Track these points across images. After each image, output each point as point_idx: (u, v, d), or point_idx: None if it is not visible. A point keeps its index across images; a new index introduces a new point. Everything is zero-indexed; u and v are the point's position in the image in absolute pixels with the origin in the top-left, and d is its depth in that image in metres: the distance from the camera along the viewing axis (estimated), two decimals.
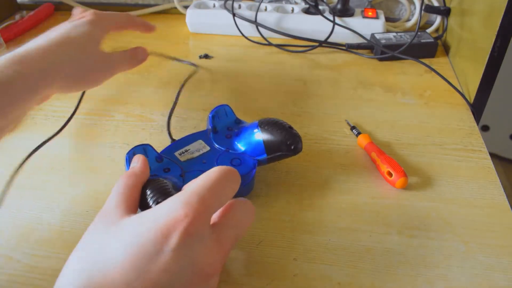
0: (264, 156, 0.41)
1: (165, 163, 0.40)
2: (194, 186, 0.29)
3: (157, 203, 0.32)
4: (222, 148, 0.42)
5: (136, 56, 0.51)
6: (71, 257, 0.28)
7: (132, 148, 0.39)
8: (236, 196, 0.38)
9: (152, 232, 0.26)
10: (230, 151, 0.42)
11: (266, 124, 0.41)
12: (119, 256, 0.26)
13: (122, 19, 0.52)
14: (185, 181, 0.38)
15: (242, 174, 0.38)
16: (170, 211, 0.27)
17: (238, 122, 0.45)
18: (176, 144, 0.43)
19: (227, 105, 0.45)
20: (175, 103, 0.54)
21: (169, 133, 0.49)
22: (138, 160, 0.36)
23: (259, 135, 0.41)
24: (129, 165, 0.38)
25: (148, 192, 0.33)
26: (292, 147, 0.41)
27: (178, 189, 0.33)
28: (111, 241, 0.27)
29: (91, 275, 0.26)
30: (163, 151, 0.43)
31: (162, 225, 0.26)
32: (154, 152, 0.40)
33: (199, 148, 0.42)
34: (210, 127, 0.44)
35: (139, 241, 0.26)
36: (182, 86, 0.58)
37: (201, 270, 0.27)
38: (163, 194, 0.33)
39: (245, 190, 0.41)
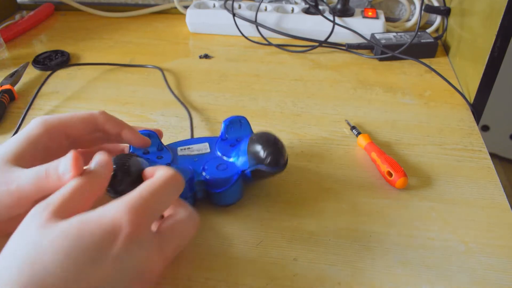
0: (245, 168, 0.39)
1: (162, 152, 0.41)
2: (139, 191, 0.28)
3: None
4: (220, 154, 0.42)
5: None
6: (5, 251, 0.26)
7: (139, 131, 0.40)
8: (223, 203, 0.38)
9: (97, 236, 0.25)
10: (224, 157, 0.41)
11: (255, 137, 0.39)
12: (57, 263, 0.24)
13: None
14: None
15: (224, 177, 0.39)
16: (115, 215, 0.26)
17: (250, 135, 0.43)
18: (185, 141, 0.44)
19: (245, 118, 0.44)
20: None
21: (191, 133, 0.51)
22: (102, 162, 0.31)
23: (245, 147, 0.40)
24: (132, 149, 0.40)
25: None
26: (273, 162, 0.37)
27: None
28: (48, 245, 0.25)
29: (31, 279, 0.24)
30: (170, 144, 0.44)
31: (106, 229, 0.25)
32: (158, 141, 0.42)
33: (200, 148, 0.43)
34: (221, 134, 0.44)
35: (82, 245, 0.25)
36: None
37: (141, 276, 0.27)
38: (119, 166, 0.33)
39: (229, 196, 0.40)
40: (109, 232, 0.25)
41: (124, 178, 0.33)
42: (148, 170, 0.33)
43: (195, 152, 0.42)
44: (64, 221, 0.26)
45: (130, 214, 0.26)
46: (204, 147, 0.43)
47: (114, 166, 0.32)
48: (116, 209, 0.26)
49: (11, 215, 0.31)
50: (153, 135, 0.42)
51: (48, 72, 0.64)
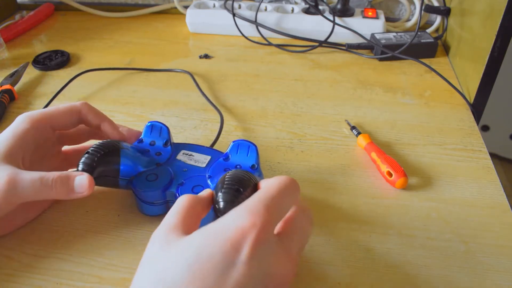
0: None
1: (166, 149, 0.42)
2: (258, 195, 0.27)
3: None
4: (208, 175, 0.40)
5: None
6: (137, 276, 0.27)
7: (151, 122, 0.42)
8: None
9: (221, 244, 0.24)
10: (209, 180, 0.39)
11: (225, 175, 0.34)
12: (184, 274, 0.24)
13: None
14: (152, 161, 0.40)
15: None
16: (237, 221, 0.25)
17: (252, 167, 0.40)
18: (192, 146, 0.43)
19: (255, 146, 0.40)
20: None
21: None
22: (207, 192, 0.33)
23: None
24: (145, 134, 0.42)
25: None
26: (221, 209, 0.32)
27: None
28: (174, 260, 0.25)
29: None
30: (179, 144, 0.44)
31: (230, 235, 0.25)
32: (167, 136, 0.42)
33: (199, 160, 0.41)
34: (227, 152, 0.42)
35: (206, 256, 0.24)
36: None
37: (274, 281, 0.26)
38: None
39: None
40: (234, 239, 0.25)
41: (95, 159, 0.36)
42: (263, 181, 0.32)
43: (191, 162, 0.41)
44: (187, 236, 0.26)
45: (254, 218, 0.25)
46: (203, 160, 0.41)
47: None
48: (239, 215, 0.26)
49: None
50: (165, 129, 0.42)
51: (48, 72, 0.64)
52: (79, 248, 0.38)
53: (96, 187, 0.38)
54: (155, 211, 0.40)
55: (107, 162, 0.37)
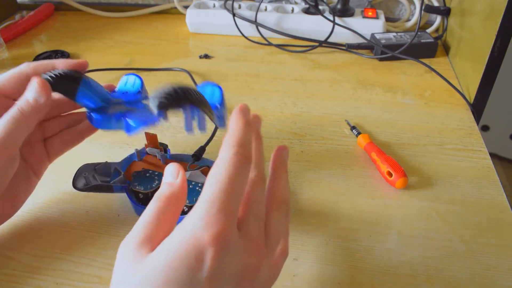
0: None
1: (138, 100, 0.39)
2: (210, 196, 0.25)
3: None
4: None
5: None
6: None
7: (127, 74, 0.41)
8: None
9: (186, 264, 0.23)
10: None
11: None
12: None
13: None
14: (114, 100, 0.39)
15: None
16: (196, 235, 0.24)
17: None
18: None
19: (220, 88, 0.41)
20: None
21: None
22: (176, 173, 0.29)
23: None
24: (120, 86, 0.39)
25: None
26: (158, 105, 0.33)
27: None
28: (142, 281, 0.24)
29: None
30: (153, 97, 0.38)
31: (192, 253, 0.24)
32: (140, 87, 0.40)
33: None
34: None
35: (173, 279, 0.23)
36: None
37: (245, 275, 0.25)
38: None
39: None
40: (194, 259, 0.24)
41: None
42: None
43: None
44: (151, 255, 0.25)
45: (209, 229, 0.24)
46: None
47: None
48: (194, 227, 0.24)
49: None
50: (139, 80, 0.41)
51: None
52: (79, 248, 0.38)
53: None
54: None
55: (66, 81, 0.35)
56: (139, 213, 0.40)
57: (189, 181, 0.40)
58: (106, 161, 0.42)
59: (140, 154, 0.43)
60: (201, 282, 0.24)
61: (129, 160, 0.43)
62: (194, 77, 0.62)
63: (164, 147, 0.44)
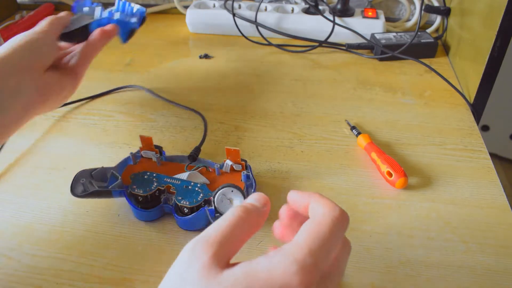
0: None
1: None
2: (308, 241, 0.25)
3: None
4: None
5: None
6: None
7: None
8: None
9: None
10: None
11: None
12: None
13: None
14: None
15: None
16: (285, 276, 0.23)
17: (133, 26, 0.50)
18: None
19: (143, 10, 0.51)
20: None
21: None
22: (263, 202, 0.29)
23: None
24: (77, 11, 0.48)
25: None
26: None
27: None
28: None
29: None
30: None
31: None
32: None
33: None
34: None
35: None
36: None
37: None
38: None
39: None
40: None
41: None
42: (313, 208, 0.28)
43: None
44: (229, 272, 0.24)
45: (302, 276, 0.23)
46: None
47: None
48: (285, 268, 0.24)
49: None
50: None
51: None
52: (79, 248, 0.38)
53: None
54: (151, 216, 0.40)
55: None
56: (139, 216, 0.40)
57: (188, 182, 0.40)
58: (102, 166, 0.41)
59: (135, 157, 0.43)
60: None
61: (124, 164, 0.43)
62: (194, 77, 0.62)
63: (159, 149, 0.43)
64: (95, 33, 0.46)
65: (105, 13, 0.48)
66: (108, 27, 0.47)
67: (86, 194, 0.38)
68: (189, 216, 0.38)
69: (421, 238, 0.38)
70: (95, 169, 0.41)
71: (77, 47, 0.46)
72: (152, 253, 0.37)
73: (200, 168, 0.42)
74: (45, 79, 0.41)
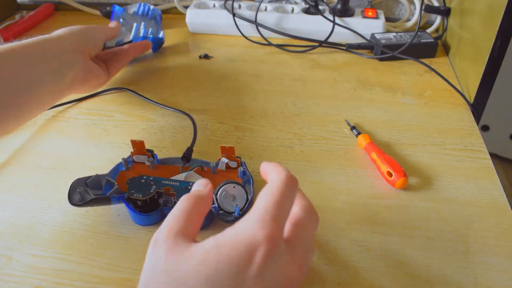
0: None
1: None
2: (263, 204, 0.27)
3: None
4: None
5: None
6: (147, 279, 0.26)
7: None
8: None
9: (236, 258, 0.25)
10: None
11: None
12: (203, 286, 0.24)
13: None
14: None
15: None
16: (249, 234, 0.26)
17: None
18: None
19: None
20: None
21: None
22: (205, 185, 0.33)
23: None
24: None
25: None
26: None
27: None
28: (191, 270, 0.25)
29: None
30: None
31: (244, 250, 0.25)
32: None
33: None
34: None
35: (223, 271, 0.25)
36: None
37: (286, 286, 0.26)
38: None
39: None
40: (246, 253, 0.25)
41: None
42: (264, 169, 0.32)
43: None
44: (198, 245, 0.26)
45: (264, 230, 0.25)
46: None
47: None
48: (249, 228, 0.26)
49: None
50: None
51: None
52: (79, 248, 0.38)
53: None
54: (151, 220, 0.40)
55: None
56: (138, 221, 0.40)
57: (187, 182, 0.40)
58: (97, 174, 0.41)
59: (127, 163, 0.43)
60: (248, 280, 0.25)
61: (116, 170, 0.43)
62: (194, 77, 0.62)
63: (151, 153, 0.43)
64: (133, 46, 0.59)
65: (141, 30, 0.62)
66: (144, 43, 0.63)
67: (85, 203, 0.38)
68: None
69: (421, 238, 0.38)
70: (89, 177, 0.40)
71: (115, 50, 0.58)
72: None
73: (195, 168, 0.42)
74: (91, 65, 0.51)
